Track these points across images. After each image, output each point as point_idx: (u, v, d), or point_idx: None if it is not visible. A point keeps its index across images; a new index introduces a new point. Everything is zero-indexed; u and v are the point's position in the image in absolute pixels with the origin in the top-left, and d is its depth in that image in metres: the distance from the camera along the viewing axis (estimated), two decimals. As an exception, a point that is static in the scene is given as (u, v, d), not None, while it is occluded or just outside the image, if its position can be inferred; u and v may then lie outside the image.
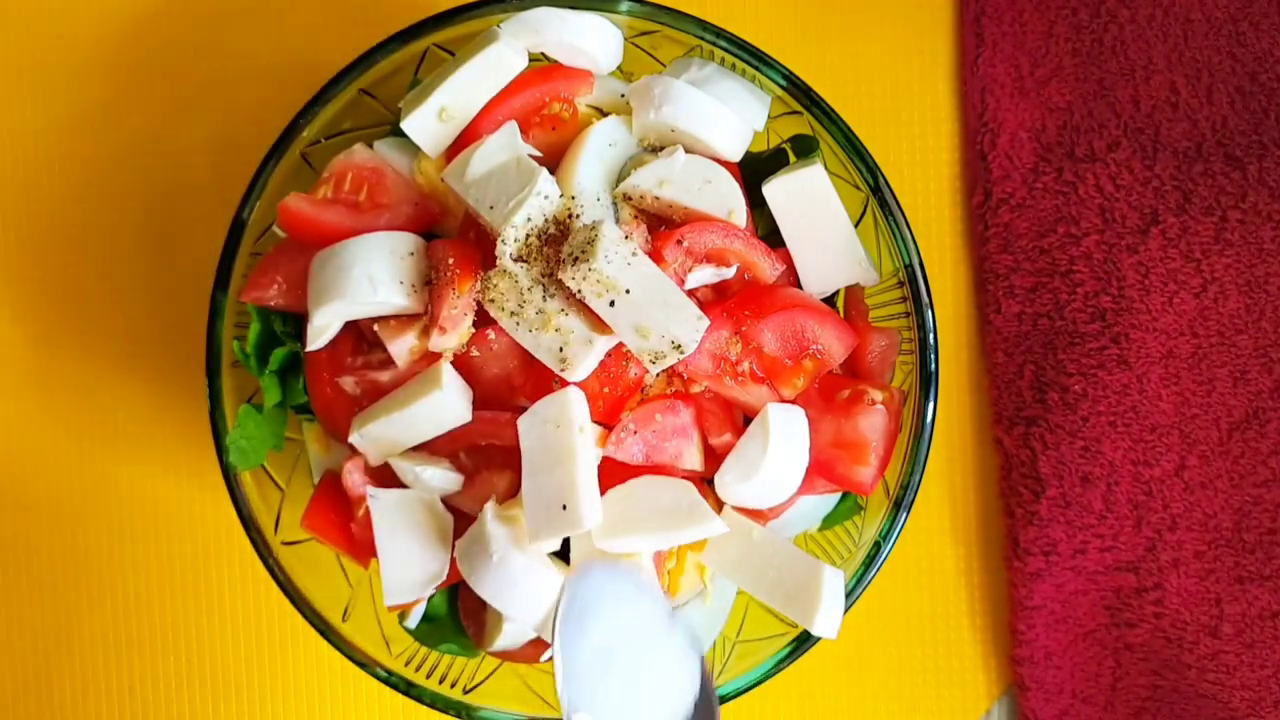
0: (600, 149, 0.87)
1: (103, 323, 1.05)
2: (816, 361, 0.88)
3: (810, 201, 0.87)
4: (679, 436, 0.86)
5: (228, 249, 0.88)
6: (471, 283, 0.83)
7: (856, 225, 0.89)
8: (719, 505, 0.88)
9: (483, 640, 0.91)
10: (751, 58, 0.88)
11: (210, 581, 1.06)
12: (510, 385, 0.86)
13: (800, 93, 0.89)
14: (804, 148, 0.90)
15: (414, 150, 0.88)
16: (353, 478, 0.88)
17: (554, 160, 0.87)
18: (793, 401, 0.88)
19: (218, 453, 0.88)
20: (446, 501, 0.87)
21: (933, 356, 0.89)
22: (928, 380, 0.89)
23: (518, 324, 0.83)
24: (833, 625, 0.86)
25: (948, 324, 1.06)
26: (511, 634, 0.89)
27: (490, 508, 0.83)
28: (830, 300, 0.92)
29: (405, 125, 0.86)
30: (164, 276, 1.05)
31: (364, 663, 0.89)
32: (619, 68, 0.91)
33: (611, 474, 0.85)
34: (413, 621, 0.92)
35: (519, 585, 0.82)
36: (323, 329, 0.86)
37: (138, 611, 1.05)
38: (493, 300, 0.83)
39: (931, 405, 0.89)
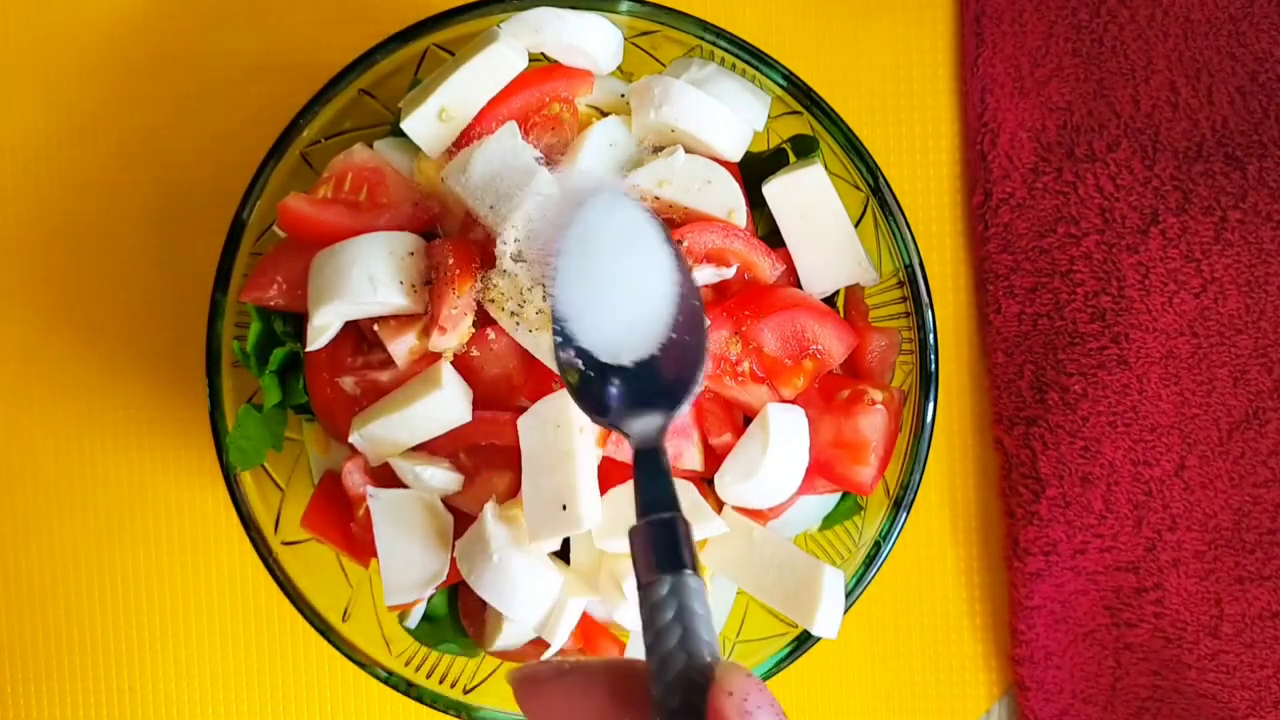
0: (600, 149, 0.87)
1: (103, 323, 1.05)
2: (816, 361, 0.88)
3: (810, 201, 0.87)
4: (679, 436, 0.86)
5: (228, 249, 0.88)
6: (471, 283, 0.83)
7: (856, 225, 0.89)
8: (719, 505, 0.88)
9: (483, 640, 0.91)
10: (751, 58, 0.88)
11: (210, 581, 1.06)
12: (510, 385, 0.86)
13: (800, 93, 0.89)
14: (804, 148, 0.90)
15: (414, 150, 0.88)
16: (353, 478, 0.88)
17: (554, 160, 0.87)
18: (793, 401, 0.88)
19: (218, 453, 0.89)
20: (446, 501, 0.87)
21: (933, 356, 0.89)
22: (928, 380, 0.89)
23: (518, 324, 0.83)
24: (833, 625, 0.86)
25: (948, 324, 1.06)
26: (511, 634, 0.89)
27: (490, 508, 0.83)
28: (830, 300, 0.92)
29: (405, 125, 0.86)
30: (164, 276, 1.05)
31: (364, 663, 0.89)
32: (619, 68, 0.91)
33: (611, 474, 0.85)
34: (413, 621, 0.92)
35: (519, 585, 0.82)
36: (323, 329, 0.86)
37: (137, 611, 1.05)
38: (493, 300, 0.83)
39: (931, 405, 0.89)
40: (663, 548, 0.64)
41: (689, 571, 0.63)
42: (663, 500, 0.67)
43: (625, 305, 0.74)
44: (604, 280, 0.75)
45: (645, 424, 0.72)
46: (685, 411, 0.76)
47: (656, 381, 0.74)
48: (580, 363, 0.73)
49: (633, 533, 0.66)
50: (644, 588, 0.63)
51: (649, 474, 0.69)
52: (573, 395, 0.74)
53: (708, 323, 0.78)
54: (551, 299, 0.74)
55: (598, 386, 0.73)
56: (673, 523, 0.65)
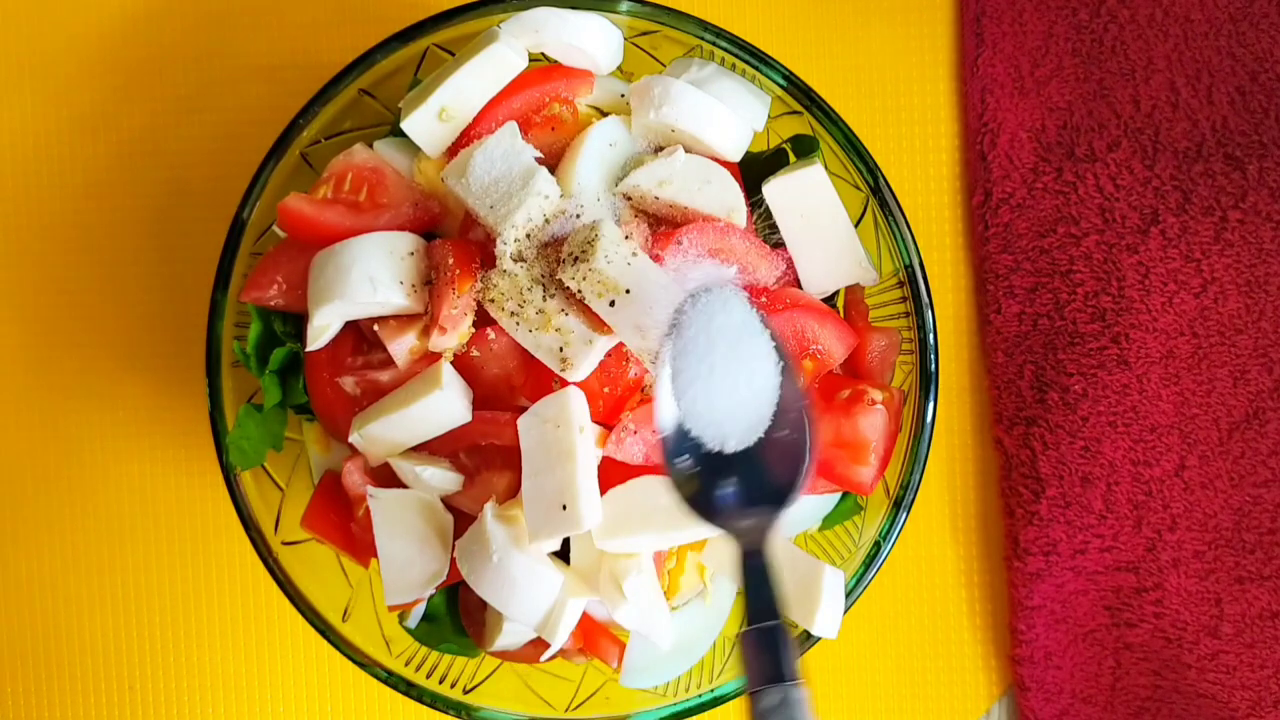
0: (600, 149, 0.87)
1: (103, 323, 1.05)
2: (816, 361, 0.88)
3: (810, 201, 0.87)
4: (679, 436, 0.86)
5: (228, 249, 0.88)
6: (471, 283, 0.83)
7: (856, 225, 0.89)
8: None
9: (483, 640, 0.91)
10: (751, 58, 0.88)
11: (210, 581, 1.06)
12: (510, 385, 0.86)
13: (800, 93, 0.89)
14: (804, 148, 0.90)
15: (414, 150, 0.88)
16: (353, 478, 0.88)
17: (554, 160, 0.87)
18: (793, 401, 0.88)
19: (218, 453, 0.89)
20: (446, 501, 0.87)
21: (933, 356, 0.89)
22: (928, 380, 0.89)
23: (518, 324, 0.83)
24: (833, 625, 0.86)
25: (948, 324, 1.06)
26: (511, 634, 0.89)
27: (490, 508, 0.83)
28: (830, 300, 0.92)
29: (405, 125, 0.86)
30: (164, 276, 1.05)
31: (364, 663, 0.89)
32: (619, 68, 0.91)
33: (611, 474, 0.85)
34: (413, 621, 0.92)
35: (519, 585, 0.82)
36: (323, 329, 0.86)
37: (137, 611, 1.05)
38: (493, 300, 0.83)
39: (931, 405, 0.89)
40: (771, 657, 0.68)
41: (798, 682, 0.68)
42: (769, 607, 0.70)
43: (734, 401, 0.76)
44: (715, 377, 0.76)
45: (752, 524, 0.74)
46: (792, 510, 0.77)
47: (762, 481, 0.75)
48: (690, 461, 0.75)
49: (741, 638, 0.69)
50: (753, 694, 0.68)
51: (756, 577, 0.72)
52: (681, 497, 0.76)
53: (814, 421, 0.79)
54: (664, 397, 0.76)
55: (707, 487, 0.75)
56: (778, 631, 0.69)
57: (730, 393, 0.76)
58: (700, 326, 0.77)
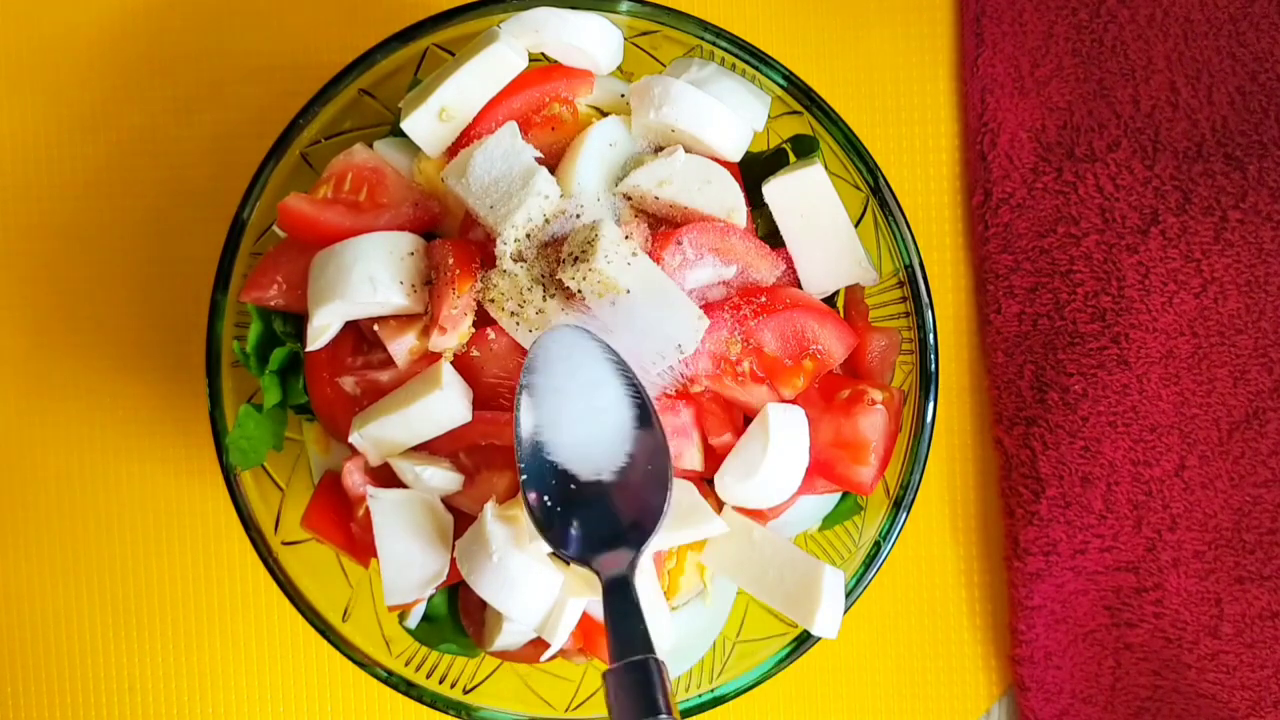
0: (600, 149, 0.87)
1: (103, 323, 1.05)
2: (816, 361, 0.88)
3: (810, 201, 0.87)
4: (679, 436, 0.86)
5: (228, 249, 0.88)
6: (471, 283, 0.83)
7: (856, 225, 0.89)
8: (719, 505, 0.88)
9: (483, 640, 0.91)
10: (751, 58, 0.88)
11: (210, 581, 1.06)
12: (510, 385, 0.86)
13: (800, 93, 0.89)
14: (804, 148, 0.90)
15: (414, 150, 0.88)
16: (353, 478, 0.88)
17: (554, 160, 0.87)
18: (793, 401, 0.88)
19: (218, 453, 0.89)
20: (446, 501, 0.87)
21: (933, 356, 0.89)
22: (928, 380, 0.89)
23: (518, 324, 0.83)
24: (833, 625, 0.86)
25: (948, 324, 1.06)
26: (511, 634, 0.89)
27: (490, 508, 0.83)
28: (830, 300, 0.92)
29: (405, 125, 0.86)
30: (164, 276, 1.05)
31: (364, 663, 0.89)
32: (619, 68, 0.91)
33: (611, 474, 0.85)
34: (413, 621, 0.92)
35: (519, 585, 0.82)
36: (323, 329, 0.86)
37: (137, 611, 1.05)
38: (493, 300, 0.83)
39: (931, 405, 0.89)
40: (642, 693, 0.65)
41: (666, 718, 0.65)
42: (637, 642, 0.67)
43: (588, 435, 0.77)
44: (568, 413, 0.77)
45: (613, 558, 0.73)
46: (652, 547, 0.78)
47: (621, 516, 0.75)
48: (547, 499, 0.76)
49: (607, 676, 0.66)
50: None
51: (620, 612, 0.70)
52: (540, 533, 0.76)
53: (672, 454, 0.80)
54: (516, 437, 0.77)
55: (562, 523, 0.75)
56: (648, 665, 0.66)
57: (584, 427, 0.77)
58: (553, 366, 0.78)
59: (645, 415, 0.78)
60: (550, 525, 0.76)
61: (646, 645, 0.67)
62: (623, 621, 0.69)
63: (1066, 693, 1.05)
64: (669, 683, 0.67)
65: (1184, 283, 1.03)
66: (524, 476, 0.76)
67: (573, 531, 0.75)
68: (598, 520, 0.75)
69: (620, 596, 0.71)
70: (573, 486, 0.77)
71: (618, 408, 0.78)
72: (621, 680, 0.66)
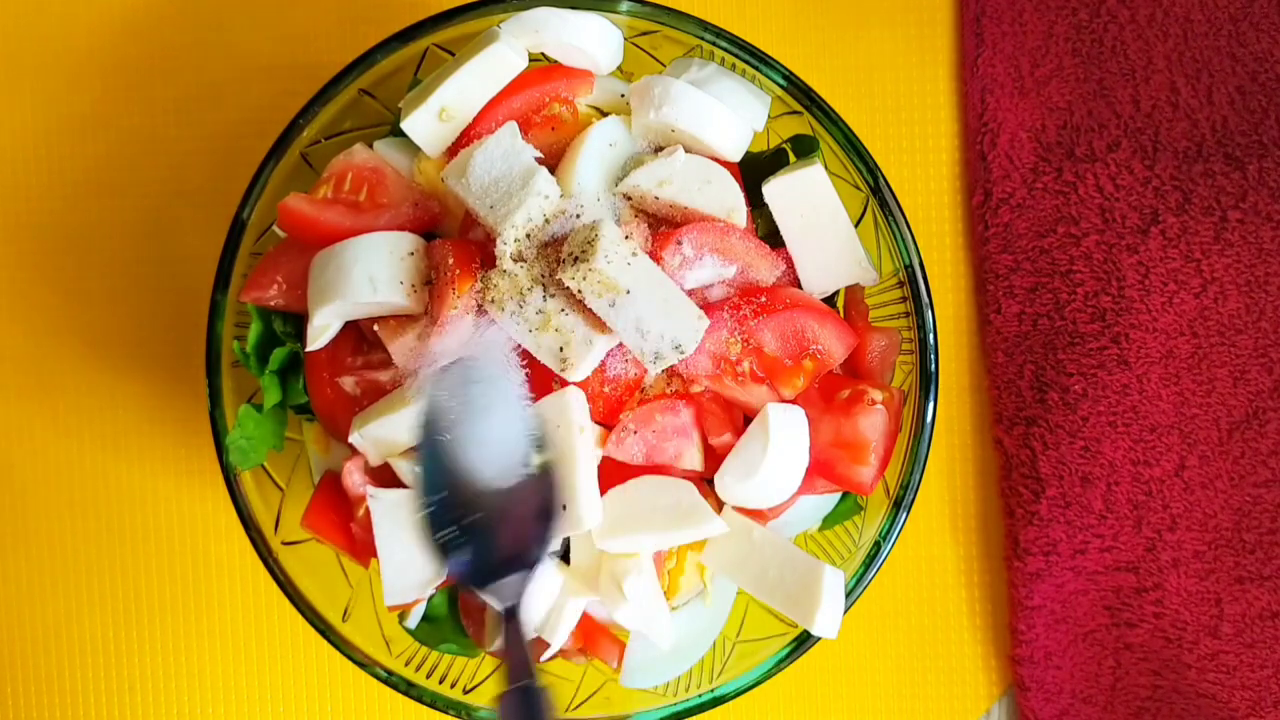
0: (600, 149, 0.87)
1: (103, 323, 1.05)
2: (816, 361, 0.88)
3: (810, 201, 0.87)
4: (679, 436, 0.86)
5: (228, 249, 0.88)
6: (471, 283, 0.83)
7: (856, 225, 0.89)
8: (719, 505, 0.88)
9: (483, 640, 0.91)
10: (751, 58, 0.88)
11: (210, 581, 1.06)
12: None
13: (800, 93, 0.89)
14: (804, 148, 0.90)
15: (414, 150, 0.88)
16: (353, 478, 0.88)
17: (554, 160, 0.87)
18: (793, 401, 0.88)
19: (218, 453, 0.88)
20: (446, 501, 0.87)
21: (933, 356, 0.89)
22: (928, 380, 0.89)
23: (518, 324, 0.83)
24: (833, 625, 0.86)
25: (948, 324, 1.06)
26: (511, 634, 0.89)
27: (490, 508, 0.84)
28: (830, 300, 0.92)
29: (405, 125, 0.86)
30: (164, 276, 1.05)
31: (364, 663, 0.89)
32: (619, 68, 0.91)
33: (611, 474, 0.85)
34: (413, 621, 0.92)
35: (519, 585, 0.82)
36: (323, 329, 0.86)
37: (137, 611, 1.05)
38: (493, 300, 0.83)
39: (931, 405, 0.89)
40: (525, 716, 0.73)
41: None
42: (523, 667, 0.74)
43: (480, 463, 0.80)
44: (460, 447, 0.80)
45: (506, 585, 0.78)
46: (540, 570, 0.81)
47: (508, 546, 0.79)
48: (443, 533, 0.79)
49: (501, 699, 0.73)
50: None
51: (513, 638, 0.76)
52: (440, 560, 0.80)
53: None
54: (415, 475, 0.80)
55: (457, 555, 0.79)
56: (530, 691, 0.73)
57: (475, 461, 0.80)
58: (450, 395, 0.80)
59: (534, 446, 0.81)
60: (447, 557, 0.80)
61: (532, 671, 0.74)
62: (516, 648, 0.76)
63: (1066, 693, 1.05)
64: (552, 710, 0.74)
65: (1184, 283, 1.03)
66: (426, 515, 0.80)
67: (467, 562, 0.79)
68: (488, 551, 0.79)
69: (511, 625, 0.77)
70: (464, 520, 0.80)
71: (503, 440, 0.81)
72: (511, 704, 0.74)
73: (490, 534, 0.79)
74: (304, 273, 0.86)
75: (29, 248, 1.05)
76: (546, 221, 0.84)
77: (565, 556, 0.88)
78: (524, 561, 0.79)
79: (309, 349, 0.86)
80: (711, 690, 0.90)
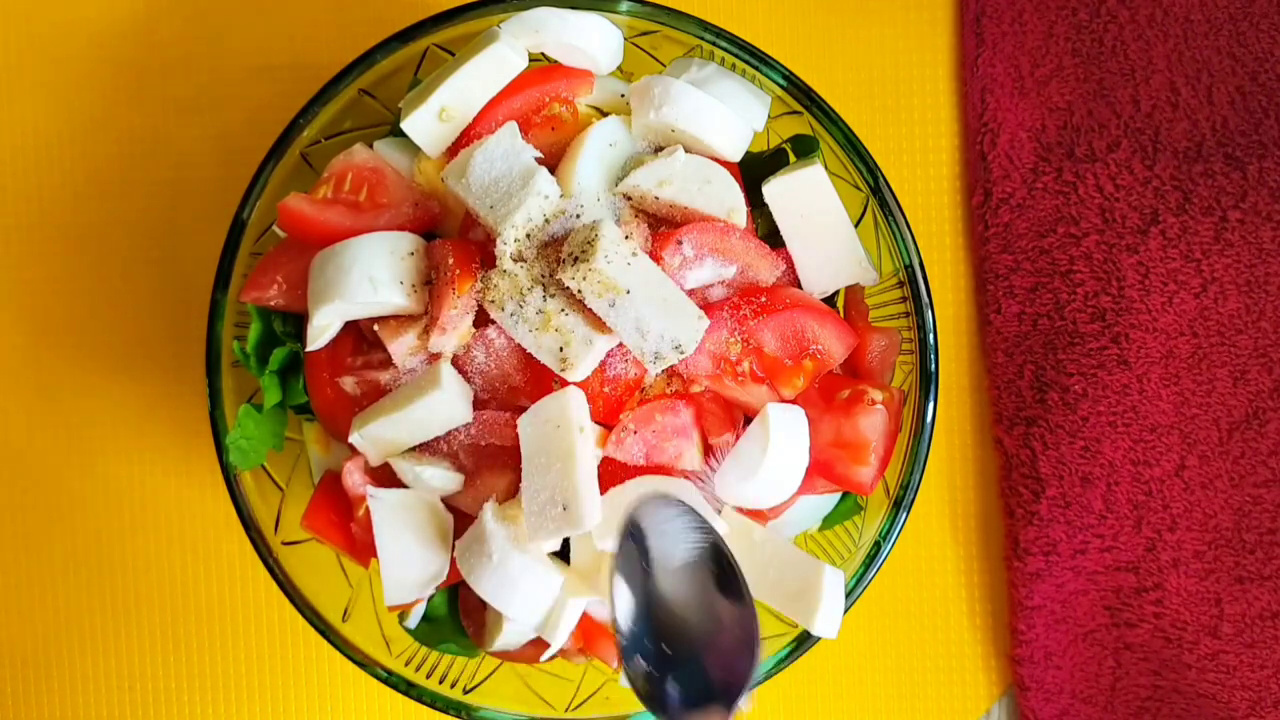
0: (600, 149, 0.87)
1: (103, 323, 1.05)
2: (816, 361, 0.88)
3: (810, 201, 0.87)
4: (679, 436, 0.86)
5: (228, 249, 0.88)
6: (471, 283, 0.83)
7: (856, 225, 0.89)
8: (719, 505, 0.88)
9: (483, 640, 0.91)
10: (751, 58, 0.88)
11: (210, 581, 1.06)
12: (510, 385, 0.86)
13: (800, 93, 0.89)
14: (804, 148, 0.90)
15: (414, 150, 0.88)
16: (353, 478, 0.88)
17: (554, 160, 0.87)
18: (793, 401, 0.88)
19: (218, 453, 0.89)
20: (446, 501, 0.87)
21: (933, 356, 0.89)
22: (928, 380, 0.89)
23: (518, 324, 0.83)
24: (833, 625, 0.86)
25: (948, 324, 1.06)
26: (511, 634, 0.89)
27: (490, 508, 0.83)
28: (830, 300, 0.92)
29: (405, 125, 0.86)
30: (164, 276, 1.05)
31: (364, 663, 0.89)
32: (619, 68, 0.91)
33: (611, 474, 0.85)
34: (413, 621, 0.92)
35: (519, 585, 0.82)
36: (323, 329, 0.86)
37: (137, 611, 1.06)
38: (493, 300, 0.83)
39: (931, 405, 0.89)
40: None
41: None
42: None
43: (680, 604, 0.79)
44: (660, 583, 0.79)
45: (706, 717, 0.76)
46: (740, 707, 0.80)
47: (712, 679, 0.78)
48: (645, 664, 0.77)
49: None
50: None
51: None
52: (640, 698, 0.78)
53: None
54: (612, 608, 0.78)
55: (659, 687, 0.77)
56: None
57: (676, 597, 0.79)
58: (646, 536, 0.79)
59: (731, 579, 0.79)
60: (650, 690, 0.78)
61: None
62: None
63: (1066, 693, 1.05)
64: None
65: (1184, 283, 1.03)
66: (625, 643, 0.78)
67: (670, 695, 0.78)
68: (690, 683, 0.78)
69: None
70: (667, 651, 0.79)
71: (704, 575, 0.80)
72: None
73: (690, 669, 0.78)
74: (304, 273, 0.86)
75: (29, 248, 1.05)
76: (546, 221, 0.84)
77: (565, 556, 0.88)
78: (726, 693, 0.77)
79: (309, 349, 0.87)
80: (711, 690, 0.90)
